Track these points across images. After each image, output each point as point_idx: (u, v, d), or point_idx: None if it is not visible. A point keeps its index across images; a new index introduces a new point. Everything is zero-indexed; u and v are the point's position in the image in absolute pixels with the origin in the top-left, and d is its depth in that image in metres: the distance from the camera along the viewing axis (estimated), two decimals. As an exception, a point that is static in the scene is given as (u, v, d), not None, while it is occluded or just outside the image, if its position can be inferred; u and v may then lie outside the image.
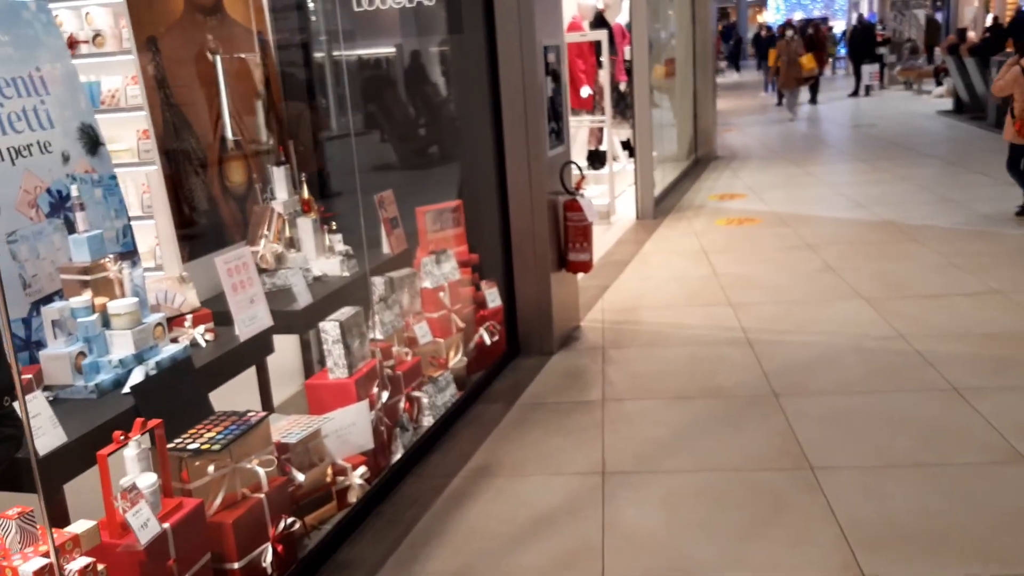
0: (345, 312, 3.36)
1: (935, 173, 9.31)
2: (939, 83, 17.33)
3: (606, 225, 7.80)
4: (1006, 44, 12.94)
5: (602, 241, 7.19)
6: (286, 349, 3.93)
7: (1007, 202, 7.57)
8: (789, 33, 16.26)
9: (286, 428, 3.12)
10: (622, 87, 9.12)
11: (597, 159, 8.66)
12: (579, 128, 8.52)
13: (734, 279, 5.90)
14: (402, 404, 3.62)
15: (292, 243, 3.85)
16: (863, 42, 19.17)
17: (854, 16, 32.73)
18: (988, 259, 5.89)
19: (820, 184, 9.29)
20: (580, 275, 5.11)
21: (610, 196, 8.14)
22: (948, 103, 15.06)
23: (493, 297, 4.43)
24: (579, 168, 5.02)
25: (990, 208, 7.45)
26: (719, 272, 6.10)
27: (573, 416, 3.94)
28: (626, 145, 9.85)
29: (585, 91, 8.15)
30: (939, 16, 36.66)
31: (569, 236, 4.75)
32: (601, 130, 8.68)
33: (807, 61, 15.60)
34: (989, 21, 23.46)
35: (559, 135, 4.72)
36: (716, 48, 23.55)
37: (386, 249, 4.17)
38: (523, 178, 4.56)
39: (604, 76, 8.09)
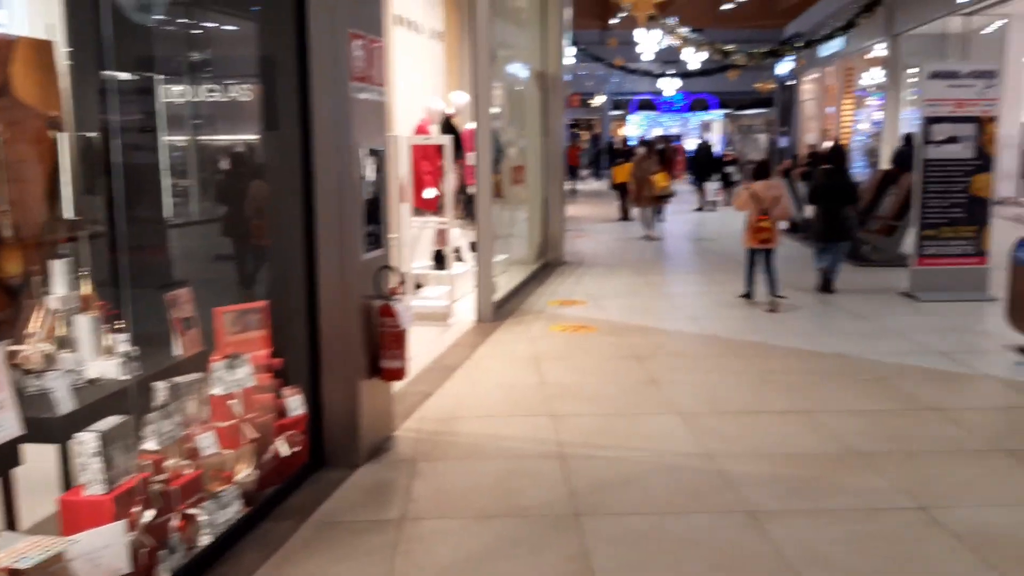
0: (108, 421, 3.08)
1: (764, 289, 9.73)
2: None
3: (443, 328, 7.71)
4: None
5: (437, 344, 7.09)
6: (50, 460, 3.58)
7: (834, 321, 7.96)
8: (641, 150, 16.71)
9: (22, 551, 2.79)
10: (470, 190, 9.20)
11: (442, 260, 8.64)
12: (423, 229, 8.50)
13: (560, 389, 5.88)
14: (174, 523, 3.32)
15: (66, 342, 3.55)
16: (706, 161, 20.29)
17: (707, 136, 34.89)
18: (803, 377, 6.10)
19: (658, 295, 9.56)
20: (400, 382, 4.96)
21: (450, 298, 8.09)
22: (784, 223, 15.99)
23: (296, 405, 4.21)
24: (397, 272, 4.92)
25: (814, 327, 7.81)
26: (547, 381, 6.07)
27: (366, 537, 3.73)
28: (475, 247, 9.89)
29: (429, 192, 8.16)
30: (783, 141, 39.48)
31: (383, 342, 4.61)
32: (448, 231, 8.68)
33: (660, 179, 15.46)
34: (828, 146, 25.44)
35: (377, 239, 4.63)
36: (572, 157, 24.46)
37: (177, 351, 3.91)
38: (335, 281, 4.42)
39: (450, 179, 8.14)
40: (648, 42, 35.50)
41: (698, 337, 7.43)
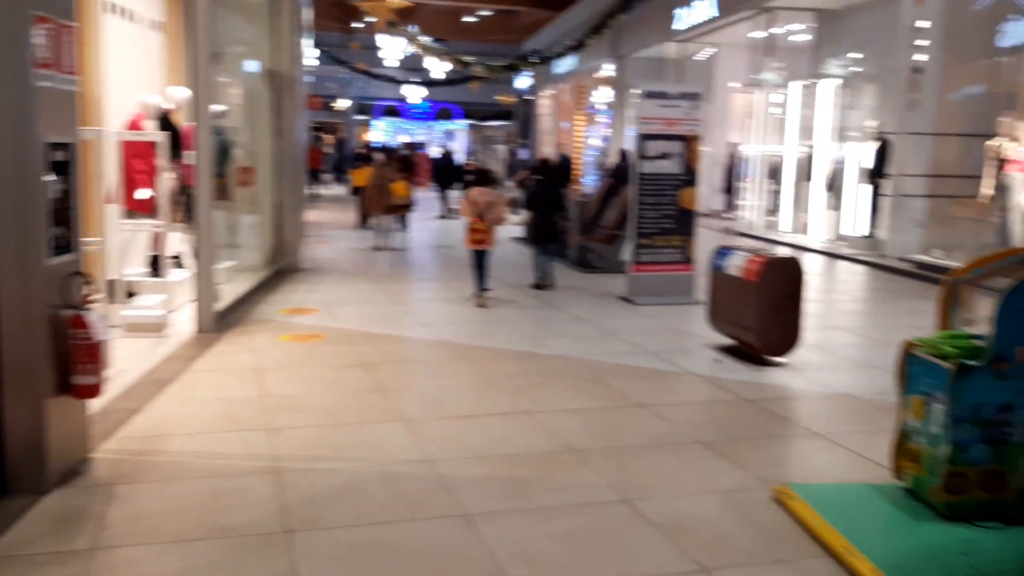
0: None
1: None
2: (515, 211, 19.07)
3: (159, 339, 7.17)
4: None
5: (149, 357, 6.57)
6: None
7: (558, 324, 8.28)
8: (380, 157, 16.45)
9: None
10: (191, 192, 8.65)
11: (158, 266, 8.04)
12: (136, 232, 7.87)
13: (281, 401, 5.64)
14: None
15: None
16: (448, 170, 20.64)
17: (449, 145, 35.50)
18: (526, 379, 6.28)
19: (393, 302, 9.51)
20: (97, 399, 4.51)
21: (167, 307, 7.55)
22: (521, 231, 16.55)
23: (-38, 429, 3.70)
24: (91, 279, 4.48)
25: (540, 330, 8.09)
26: (268, 393, 5.80)
27: (49, 570, 3.34)
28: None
29: (142, 193, 7.58)
30: (523, 153, 41.05)
31: (74, 356, 4.17)
32: (164, 235, 8.09)
33: (399, 188, 14.82)
34: (552, 158, 26.75)
35: (66, 243, 4.18)
36: (313, 161, 23.89)
37: None
38: (14, 289, 3.94)
39: (167, 179, 7.60)
40: (392, 48, 35.54)
41: (429, 343, 7.46)
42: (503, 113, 46.45)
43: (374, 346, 7.24)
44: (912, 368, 4.07)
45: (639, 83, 9.60)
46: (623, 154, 22.67)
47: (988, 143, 11.48)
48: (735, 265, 7.06)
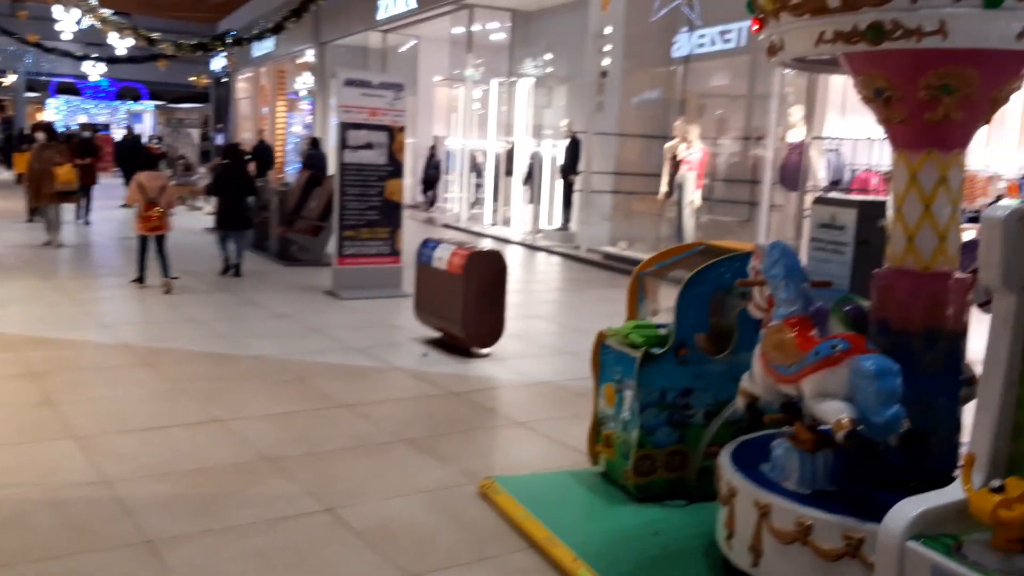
0: None
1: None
2: (206, 198, 17.99)
3: None
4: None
5: None
6: None
7: (257, 322, 7.81)
8: (40, 136, 14.26)
9: None
10: None
11: None
12: None
13: (-81, 422, 4.78)
14: None
15: None
16: (133, 154, 19.04)
17: (138, 128, 32.84)
18: (220, 383, 5.84)
19: (68, 301, 8.49)
20: None
21: None
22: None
23: None
24: None
25: (237, 329, 7.59)
26: (-99, 413, 4.90)
27: None
28: None
29: None
30: (219, 138, 39.01)
31: None
32: None
33: (65, 173, 12.48)
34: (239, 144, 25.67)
35: None
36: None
37: None
38: None
39: None
40: (68, 20, 32.17)
41: (108, 347, 6.72)
42: (198, 95, 43.83)
43: (42, 352, 6.39)
44: (605, 357, 4.24)
45: (341, 70, 9.34)
46: (314, 142, 22.25)
47: (666, 145, 12.53)
48: (440, 258, 7.05)
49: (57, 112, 40.50)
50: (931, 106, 3.02)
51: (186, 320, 7.78)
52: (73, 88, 41.94)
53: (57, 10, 30.27)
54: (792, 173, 11.73)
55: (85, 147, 16.28)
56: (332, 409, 5.41)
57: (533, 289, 11.12)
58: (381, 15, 21.30)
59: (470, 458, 4.66)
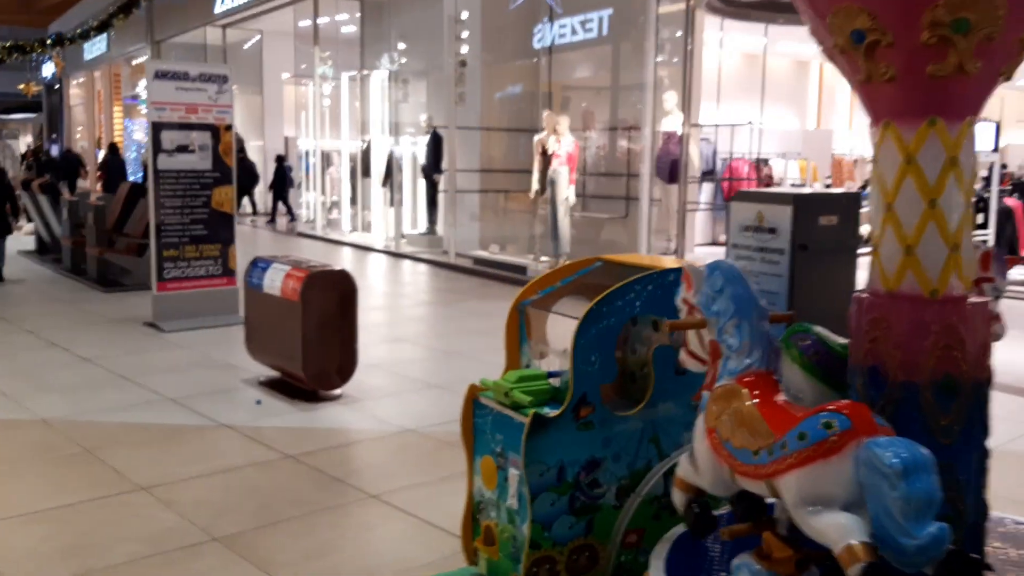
0: None
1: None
2: (29, 219, 15.88)
3: None
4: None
5: None
6: None
7: (41, 369, 6.30)
8: None
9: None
10: None
11: None
12: None
13: None
14: None
15: None
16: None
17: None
18: (-26, 467, 4.41)
19: None
20: None
21: None
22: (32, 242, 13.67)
23: None
24: None
25: (22, 382, 6.06)
26: None
27: None
28: None
29: None
30: (55, 148, 35.89)
31: None
32: None
33: None
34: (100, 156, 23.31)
35: None
36: None
37: None
38: None
39: None
40: None
41: None
42: (30, 105, 40.27)
43: None
44: (480, 420, 3.11)
45: (151, 62, 7.87)
46: (112, 148, 20.30)
47: (535, 138, 11.55)
48: (272, 281, 5.77)
49: None
50: (937, 54, 2.04)
51: (-45, 374, 6.22)
52: None
53: None
54: (669, 163, 10.97)
55: None
56: (126, 496, 4.08)
57: (397, 304, 9.91)
58: (219, 8, 19.52)
59: (305, 562, 3.45)
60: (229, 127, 8.02)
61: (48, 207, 12.02)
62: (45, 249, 12.81)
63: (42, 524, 3.76)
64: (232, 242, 8.15)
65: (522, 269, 11.28)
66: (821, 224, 3.31)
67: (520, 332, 3.24)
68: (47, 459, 4.56)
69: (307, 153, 17.94)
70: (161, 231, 7.74)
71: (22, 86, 37.45)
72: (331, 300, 5.58)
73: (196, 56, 22.15)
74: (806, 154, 15.31)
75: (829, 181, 15.88)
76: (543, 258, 11.37)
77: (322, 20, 17.03)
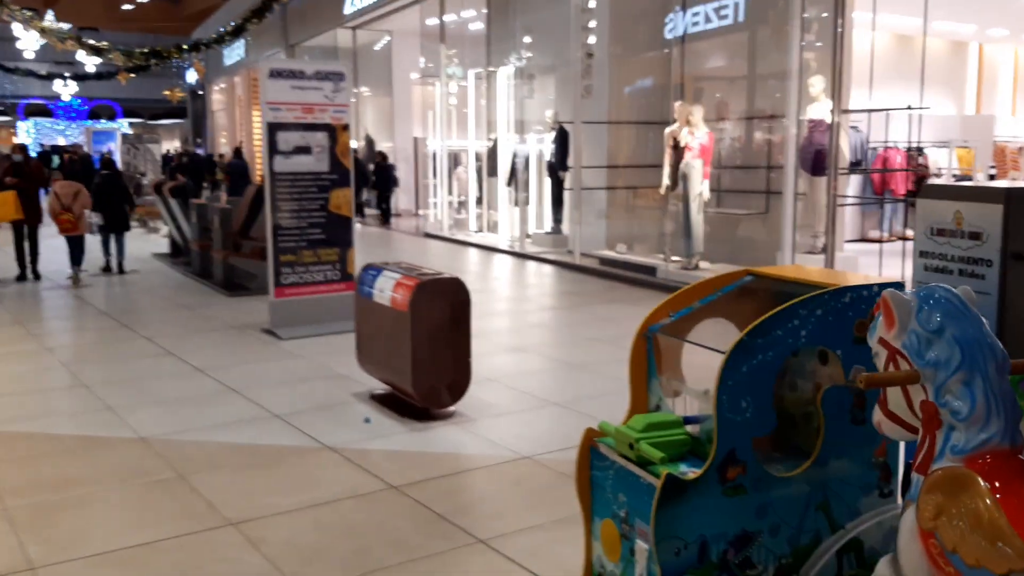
0: None
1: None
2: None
3: None
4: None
5: None
6: None
7: (162, 383, 6.12)
8: None
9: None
10: None
11: None
12: None
13: None
14: None
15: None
16: (83, 175, 17.36)
17: (109, 147, 31.16)
18: (60, 495, 4.17)
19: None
20: None
21: None
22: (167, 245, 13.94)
23: None
24: None
25: (129, 393, 5.88)
26: None
27: None
28: None
29: None
30: (201, 151, 37.43)
31: None
32: None
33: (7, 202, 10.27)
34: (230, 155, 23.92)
35: None
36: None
37: None
38: None
39: None
40: (28, 38, 30.64)
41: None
42: (175, 111, 42.21)
43: None
44: (599, 473, 2.55)
45: (266, 61, 7.67)
46: (237, 151, 20.57)
47: (666, 130, 10.84)
48: (381, 290, 5.37)
49: (28, 135, 38.86)
50: None
51: (69, 385, 6.12)
52: (44, 109, 40.35)
53: (18, 28, 28.69)
54: (814, 154, 10.03)
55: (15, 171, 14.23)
56: (213, 532, 3.72)
57: (518, 309, 9.43)
58: (348, 9, 19.61)
59: (398, 626, 2.98)
60: (346, 127, 7.71)
61: (179, 210, 12.16)
62: (178, 252, 13.00)
63: (114, 568, 3.43)
64: (351, 246, 7.86)
65: (651, 270, 10.60)
66: (1046, 228, 2.58)
67: (648, 364, 2.65)
68: (138, 484, 4.27)
69: (434, 153, 17.75)
70: (278, 235, 7.52)
71: (167, 92, 39.32)
72: (443, 311, 5.13)
73: (330, 59, 22.40)
74: (957, 141, 13.97)
75: (993, 171, 14.44)
76: (674, 258, 10.65)
77: (449, 18, 16.77)
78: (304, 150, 7.54)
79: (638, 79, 13.30)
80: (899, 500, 2.44)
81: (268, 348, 7.19)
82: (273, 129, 7.39)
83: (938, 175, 13.87)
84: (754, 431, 2.29)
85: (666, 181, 10.78)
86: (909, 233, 13.16)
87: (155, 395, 5.83)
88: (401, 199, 21.55)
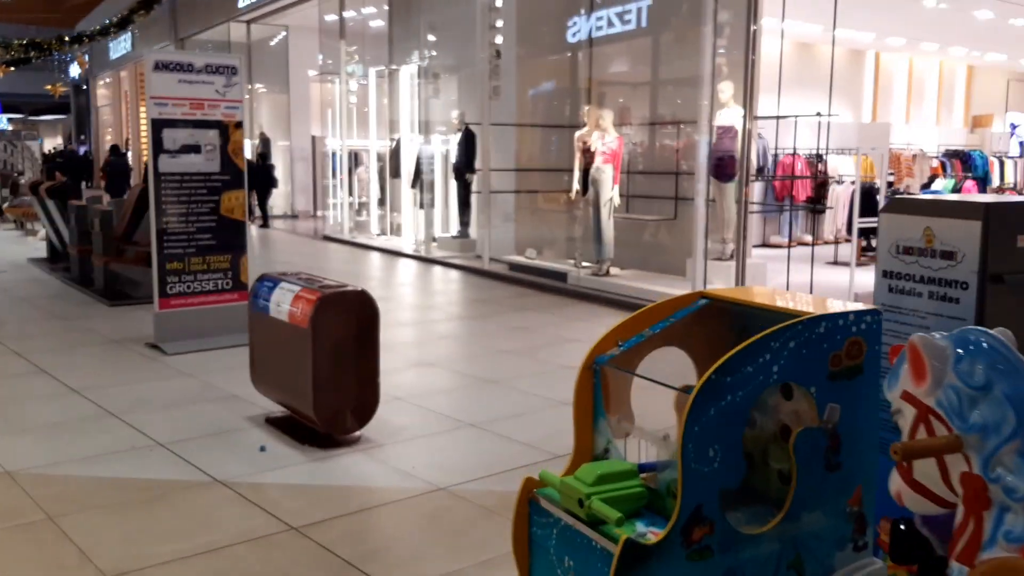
0: None
1: None
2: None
3: None
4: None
5: None
6: None
7: (33, 406, 5.47)
8: None
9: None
10: None
11: None
12: None
13: None
14: None
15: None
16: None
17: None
18: (-94, 544, 3.56)
19: None
20: None
21: None
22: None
23: None
24: None
25: (-10, 419, 5.23)
26: None
27: None
28: None
29: None
30: (83, 149, 35.53)
31: None
32: None
33: None
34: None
35: None
36: None
37: None
38: None
39: None
40: None
41: None
42: (58, 106, 40.04)
43: None
44: (539, 531, 2.19)
45: (150, 52, 7.05)
46: (114, 149, 19.61)
47: (576, 133, 10.61)
48: (279, 304, 4.89)
49: None
50: None
51: (-80, 410, 5.41)
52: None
53: None
54: (720, 160, 9.97)
55: None
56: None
57: (426, 318, 9.02)
58: (242, 2, 18.78)
59: None
60: (239, 124, 7.16)
61: (57, 212, 11.27)
62: (56, 257, 12.08)
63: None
64: (244, 252, 7.31)
65: (562, 276, 10.35)
66: (1023, 246, 2.35)
67: (595, 402, 2.31)
68: (1, 529, 3.70)
69: (334, 153, 17.14)
70: (163, 241, 6.91)
71: (49, 87, 37.25)
72: (347, 327, 4.69)
73: (220, 53, 21.46)
74: (863, 149, 14.27)
75: (892, 178, 14.79)
76: (585, 264, 10.42)
77: (348, 14, 16.21)
78: (193, 149, 6.96)
79: (545, 81, 13.07)
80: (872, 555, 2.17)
81: (152, 365, 6.58)
82: (158, 126, 6.79)
83: (840, 182, 14.12)
84: (723, 482, 1.97)
85: (576, 186, 10.57)
86: (807, 239, 13.35)
87: (26, 422, 5.20)
88: (299, 200, 20.82)
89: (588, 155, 10.30)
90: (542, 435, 4.90)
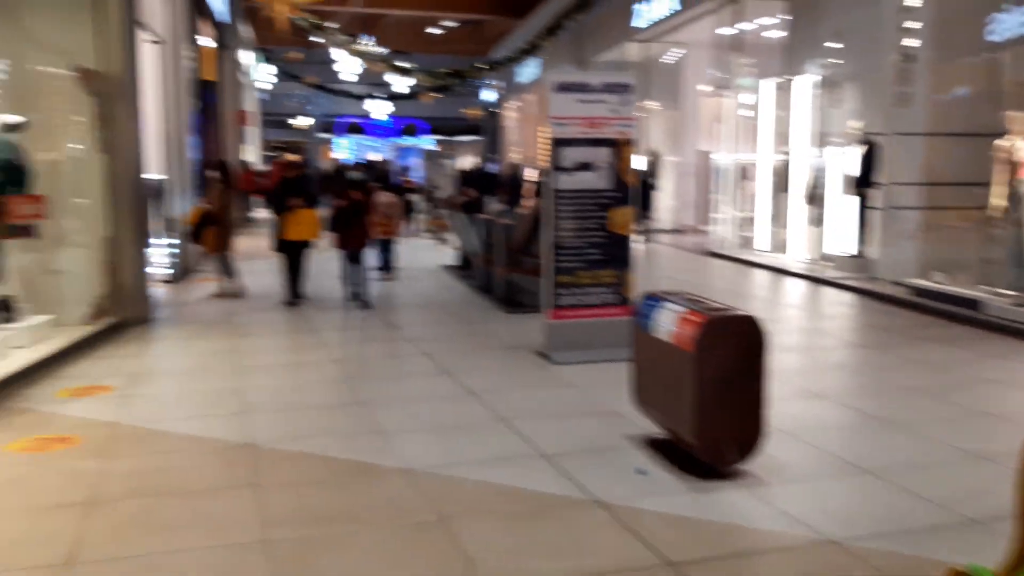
0: None
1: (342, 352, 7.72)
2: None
3: None
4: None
5: None
6: None
7: (433, 403, 5.98)
8: (213, 175, 11.13)
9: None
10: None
11: None
12: None
13: None
14: None
15: None
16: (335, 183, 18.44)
17: (410, 162, 33.25)
18: (322, 530, 3.99)
19: (234, 370, 7.06)
20: None
21: None
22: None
23: None
24: None
25: (400, 417, 5.77)
26: None
27: None
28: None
29: None
30: (493, 167, 38.91)
31: None
32: None
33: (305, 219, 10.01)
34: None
35: None
36: (246, 183, 21.30)
37: None
38: None
39: None
40: (347, 61, 33.51)
41: (223, 449, 5.11)
42: (472, 128, 44.28)
43: (136, 459, 4.91)
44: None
45: (552, 73, 7.38)
46: (514, 167, 20.51)
47: (997, 142, 9.29)
48: (663, 324, 4.79)
49: (347, 150, 42.44)
50: None
51: (349, 403, 6.12)
52: (358, 127, 43.95)
53: (336, 53, 31.46)
54: None
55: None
56: (468, 593, 3.35)
57: (816, 344, 8.42)
58: (639, 22, 19.24)
59: None
60: (631, 142, 7.23)
61: (467, 224, 12.34)
62: (467, 265, 13.24)
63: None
64: (628, 267, 7.36)
65: (973, 303, 9.11)
66: None
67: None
68: (394, 527, 3.99)
69: (722, 167, 16.87)
70: (557, 255, 7.19)
71: (465, 110, 41.38)
72: (733, 353, 4.46)
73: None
74: None
75: None
76: (1005, 292, 9.07)
77: (744, 26, 15.86)
78: (586, 166, 7.15)
79: (959, 86, 11.66)
80: None
81: (540, 373, 6.86)
82: (558, 145, 7.07)
83: None
84: None
85: (998, 201, 9.25)
86: None
87: (426, 419, 5.66)
88: (684, 215, 20.83)
89: (1012, 167, 8.96)
90: (954, 493, 4.26)
